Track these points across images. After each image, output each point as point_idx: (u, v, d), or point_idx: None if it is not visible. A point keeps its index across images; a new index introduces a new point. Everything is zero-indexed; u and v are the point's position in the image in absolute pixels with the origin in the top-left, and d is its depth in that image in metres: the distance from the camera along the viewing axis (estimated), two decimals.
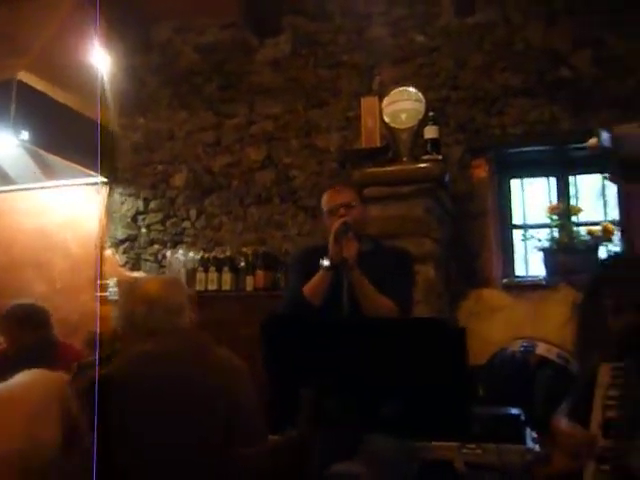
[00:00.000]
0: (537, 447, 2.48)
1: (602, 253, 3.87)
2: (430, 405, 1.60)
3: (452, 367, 1.56)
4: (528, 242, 4.11)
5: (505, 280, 4.00)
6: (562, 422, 1.86)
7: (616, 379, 1.71)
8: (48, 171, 4.71)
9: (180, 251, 4.21)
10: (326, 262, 2.28)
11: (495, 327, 3.85)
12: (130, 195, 4.79)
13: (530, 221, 4.21)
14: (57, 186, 4.85)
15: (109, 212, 4.80)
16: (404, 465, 2.09)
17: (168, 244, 4.57)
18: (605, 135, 1.40)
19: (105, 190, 4.78)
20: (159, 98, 4.83)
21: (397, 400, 1.62)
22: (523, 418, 2.58)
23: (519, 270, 4.16)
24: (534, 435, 2.63)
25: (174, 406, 1.42)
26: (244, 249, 4.06)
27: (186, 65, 4.83)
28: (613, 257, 2.07)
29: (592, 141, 1.40)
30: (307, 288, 2.33)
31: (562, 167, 4.08)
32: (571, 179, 4.14)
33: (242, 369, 1.55)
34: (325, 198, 2.58)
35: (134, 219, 4.77)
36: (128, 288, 1.74)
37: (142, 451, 1.38)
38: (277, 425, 1.73)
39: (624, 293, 1.83)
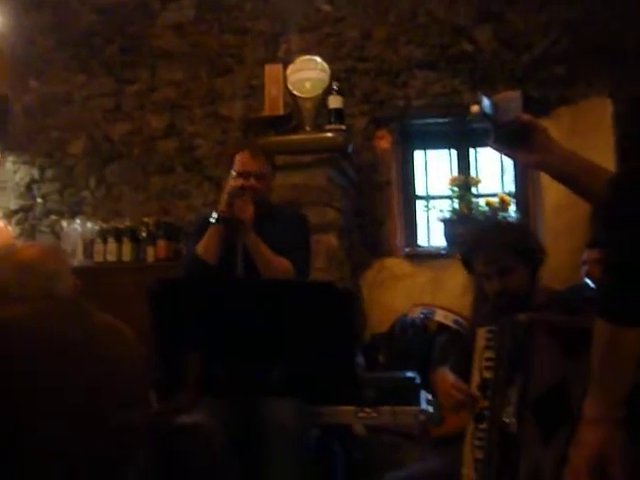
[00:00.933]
0: (431, 409, 2.55)
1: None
2: (320, 369, 1.61)
3: (342, 330, 1.57)
4: (430, 213, 4.22)
5: (407, 250, 4.08)
6: (447, 373, 1.93)
7: (490, 341, 1.78)
8: None
9: (77, 221, 4.03)
10: (213, 216, 2.27)
11: (397, 296, 3.93)
12: (24, 163, 4.53)
13: (433, 192, 4.30)
14: None
15: (0, 181, 4.53)
16: (300, 430, 2.10)
17: (66, 215, 4.37)
18: (486, 102, 1.41)
19: None
20: (55, 60, 4.57)
21: (287, 364, 1.62)
22: (418, 381, 2.65)
23: (421, 240, 4.25)
24: (429, 397, 2.72)
25: (48, 370, 1.36)
26: (145, 219, 3.94)
27: (85, 26, 4.59)
28: (482, 225, 2.15)
29: (473, 108, 1.41)
30: (199, 246, 2.32)
31: (463, 139, 4.18)
32: (472, 151, 4.26)
33: (125, 333, 1.49)
34: (239, 159, 2.53)
35: (28, 188, 4.52)
36: (1, 254, 1.63)
37: (15, 417, 1.31)
38: (165, 391, 1.70)
39: (489, 260, 1.90)
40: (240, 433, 1.81)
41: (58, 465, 1.28)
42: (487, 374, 1.75)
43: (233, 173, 2.46)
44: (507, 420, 1.59)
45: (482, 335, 1.82)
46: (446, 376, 1.93)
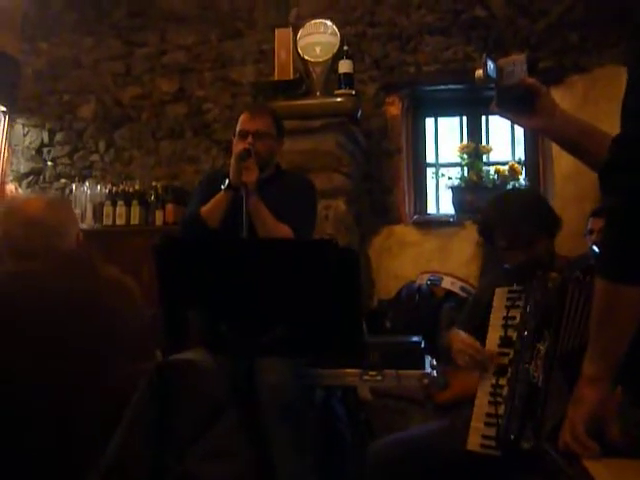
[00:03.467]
0: (435, 373, 2.57)
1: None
2: (324, 327, 1.62)
3: (345, 288, 1.57)
4: (440, 180, 4.20)
5: (416, 217, 4.07)
6: (461, 333, 1.95)
7: (511, 301, 1.81)
8: None
9: (87, 184, 4.05)
10: (224, 182, 2.28)
11: (405, 262, 3.94)
12: (34, 126, 4.54)
13: (442, 160, 4.28)
14: None
15: (10, 144, 4.54)
16: (292, 391, 2.11)
17: (76, 178, 4.38)
18: (491, 65, 1.40)
19: (5, 120, 4.50)
20: (64, 22, 4.55)
21: (290, 323, 1.63)
22: (423, 345, 2.66)
23: (430, 208, 4.24)
24: (434, 362, 2.74)
25: (52, 324, 1.38)
26: (154, 183, 3.95)
27: None
28: (501, 197, 2.14)
29: (478, 72, 1.40)
30: (204, 209, 2.34)
31: (474, 106, 4.13)
32: (483, 119, 4.22)
33: (129, 287, 1.51)
34: (241, 118, 2.55)
35: (38, 152, 4.54)
36: (5, 207, 1.64)
37: (17, 369, 1.33)
38: (171, 348, 1.73)
39: (513, 234, 1.90)
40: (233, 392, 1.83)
41: (59, 416, 1.30)
42: (509, 332, 1.78)
43: (235, 141, 2.49)
44: (535, 373, 1.62)
45: (502, 295, 1.85)
46: (461, 335, 1.95)
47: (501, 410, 1.69)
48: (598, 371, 1.18)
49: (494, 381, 1.78)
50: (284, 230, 2.28)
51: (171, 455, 0.78)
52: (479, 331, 1.91)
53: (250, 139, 2.42)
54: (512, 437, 1.60)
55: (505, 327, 1.81)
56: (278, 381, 2.01)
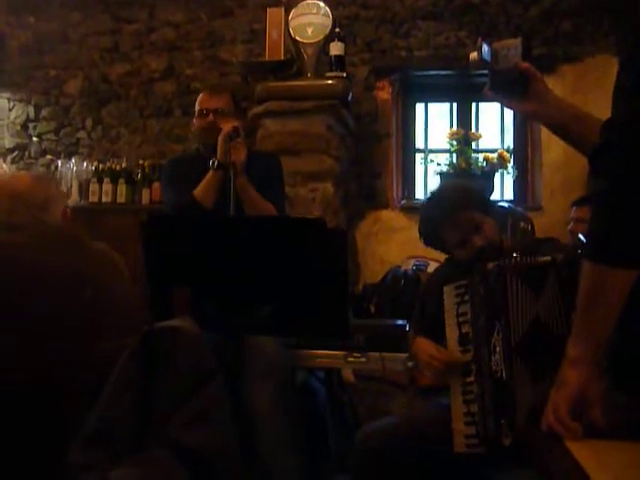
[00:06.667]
0: None
1: (497, 179, 4.03)
2: (309, 308, 1.62)
3: (332, 268, 1.57)
4: (428, 166, 4.19)
5: (403, 202, 4.07)
6: (425, 343, 1.90)
7: (461, 297, 1.76)
8: None
9: (72, 161, 4.00)
10: (213, 162, 2.28)
11: (391, 247, 3.95)
12: (20, 101, 4.47)
13: (432, 145, 4.27)
14: None
15: None
16: (283, 371, 2.11)
17: (62, 155, 4.33)
18: (486, 48, 1.39)
19: None
20: None
21: (278, 301, 1.63)
22: (408, 329, 2.67)
23: (418, 193, 4.24)
24: None
25: (34, 296, 1.36)
26: (141, 161, 3.91)
27: None
28: (433, 199, 2.09)
29: (472, 55, 1.39)
30: (197, 191, 2.33)
31: (465, 93, 4.13)
32: (473, 105, 4.22)
33: (115, 261, 1.49)
34: (200, 98, 2.58)
35: (24, 127, 4.47)
36: None
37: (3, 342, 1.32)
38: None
39: (462, 225, 1.88)
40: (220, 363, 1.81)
41: (41, 391, 1.29)
42: (465, 328, 1.74)
43: (195, 120, 2.56)
44: (496, 368, 1.60)
45: (450, 292, 1.80)
46: (425, 345, 1.90)
47: (474, 408, 1.69)
48: (583, 353, 1.18)
49: (464, 380, 1.74)
50: (270, 209, 2.31)
51: (155, 421, 0.77)
52: (439, 330, 1.85)
53: (211, 117, 2.45)
54: (491, 435, 1.59)
55: (460, 325, 1.76)
56: (269, 362, 2.01)
